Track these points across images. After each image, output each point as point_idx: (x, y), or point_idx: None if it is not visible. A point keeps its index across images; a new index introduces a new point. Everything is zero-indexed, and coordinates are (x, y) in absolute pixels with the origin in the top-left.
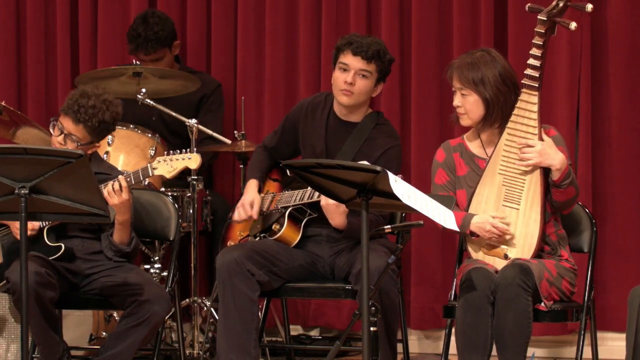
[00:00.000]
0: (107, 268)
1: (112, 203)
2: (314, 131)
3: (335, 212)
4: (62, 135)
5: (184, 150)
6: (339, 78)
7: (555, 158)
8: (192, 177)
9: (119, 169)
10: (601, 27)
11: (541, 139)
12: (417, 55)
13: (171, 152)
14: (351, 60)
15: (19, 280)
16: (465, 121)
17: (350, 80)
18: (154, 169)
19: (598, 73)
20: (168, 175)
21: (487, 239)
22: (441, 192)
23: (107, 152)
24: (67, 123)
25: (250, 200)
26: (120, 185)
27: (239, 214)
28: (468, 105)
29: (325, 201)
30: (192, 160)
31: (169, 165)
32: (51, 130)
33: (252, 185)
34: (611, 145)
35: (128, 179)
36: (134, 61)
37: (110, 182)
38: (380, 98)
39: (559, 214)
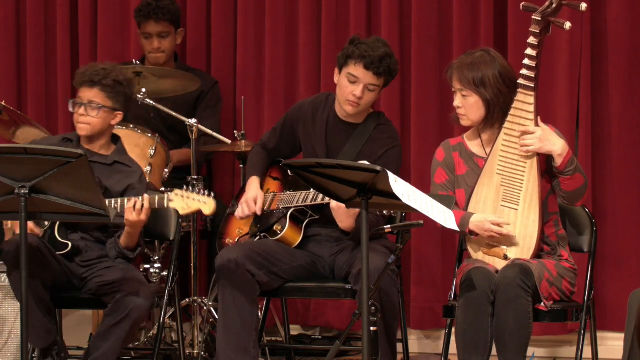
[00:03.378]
0: (100, 269)
1: (128, 219)
2: (315, 132)
3: (345, 214)
4: (83, 108)
5: (202, 192)
6: (347, 88)
7: (556, 144)
8: (192, 177)
9: None
10: (601, 27)
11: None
12: (417, 55)
13: (189, 189)
14: (362, 75)
15: (11, 250)
16: (465, 122)
17: (359, 94)
18: (170, 200)
19: (598, 73)
20: (182, 212)
21: (486, 238)
22: (440, 191)
23: None
24: (83, 93)
25: (254, 197)
26: (143, 206)
27: (242, 210)
28: (468, 106)
29: (336, 204)
30: (207, 205)
31: (184, 203)
32: (70, 109)
33: (254, 182)
34: (611, 145)
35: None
36: (134, 61)
37: (134, 198)
38: (380, 98)
39: (572, 205)
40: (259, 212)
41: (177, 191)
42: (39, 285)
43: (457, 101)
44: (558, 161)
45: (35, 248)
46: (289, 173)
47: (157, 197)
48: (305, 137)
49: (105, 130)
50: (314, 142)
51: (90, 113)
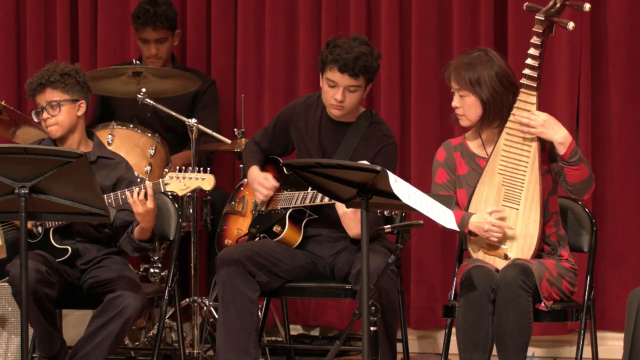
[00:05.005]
0: (94, 268)
1: (137, 212)
2: (308, 132)
3: (353, 220)
4: (44, 112)
5: (197, 169)
6: (329, 93)
7: (558, 132)
8: None
9: None
10: (601, 27)
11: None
12: (417, 55)
13: (183, 169)
14: (339, 78)
15: (19, 273)
16: (464, 122)
17: (340, 98)
18: (166, 184)
19: (598, 73)
20: (181, 193)
21: (485, 238)
22: (441, 191)
23: None
24: (39, 99)
25: (264, 176)
26: (146, 194)
27: (260, 192)
28: (466, 106)
29: (343, 212)
30: (205, 181)
31: (181, 183)
32: (35, 119)
33: (255, 169)
34: (611, 145)
35: (139, 190)
36: (134, 61)
37: (136, 190)
38: (380, 98)
39: (579, 198)
40: (277, 186)
41: (170, 174)
42: (44, 302)
43: (456, 101)
44: (561, 150)
45: (41, 271)
46: (285, 171)
47: (152, 185)
48: (298, 138)
49: (76, 124)
50: (307, 143)
51: (52, 113)
